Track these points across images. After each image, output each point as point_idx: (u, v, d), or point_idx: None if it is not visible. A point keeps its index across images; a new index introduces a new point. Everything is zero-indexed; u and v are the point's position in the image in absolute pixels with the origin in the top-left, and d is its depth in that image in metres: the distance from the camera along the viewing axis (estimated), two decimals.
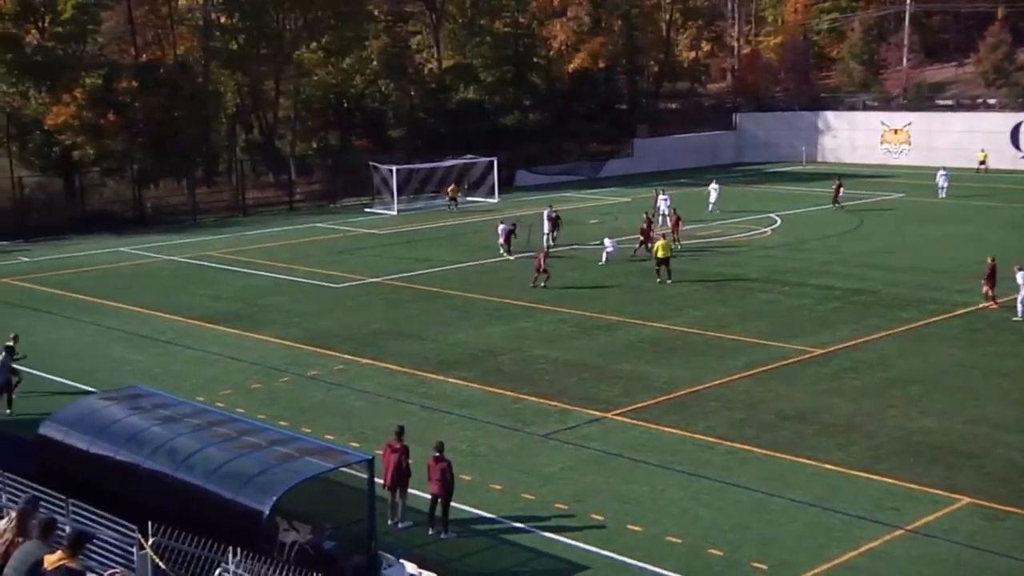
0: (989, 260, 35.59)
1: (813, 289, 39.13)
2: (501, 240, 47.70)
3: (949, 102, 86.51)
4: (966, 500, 20.63)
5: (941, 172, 63.18)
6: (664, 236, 44.37)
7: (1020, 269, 34.03)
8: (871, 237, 49.90)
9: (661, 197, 54.31)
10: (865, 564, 18.21)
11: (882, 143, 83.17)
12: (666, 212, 52.49)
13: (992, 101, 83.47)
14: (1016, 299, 33.98)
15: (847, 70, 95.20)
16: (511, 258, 45.65)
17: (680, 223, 48.67)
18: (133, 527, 14.29)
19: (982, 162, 73.81)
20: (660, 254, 41.05)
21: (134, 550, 14.22)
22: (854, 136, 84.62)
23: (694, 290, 39.61)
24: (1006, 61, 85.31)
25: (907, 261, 43.82)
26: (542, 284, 39.90)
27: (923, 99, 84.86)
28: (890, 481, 21.63)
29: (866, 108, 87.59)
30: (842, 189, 59.27)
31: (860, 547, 18.77)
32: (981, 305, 35.34)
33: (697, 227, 52.76)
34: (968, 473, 21.96)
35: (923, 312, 35.19)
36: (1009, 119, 77.89)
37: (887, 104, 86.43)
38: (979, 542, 18.92)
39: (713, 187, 58.72)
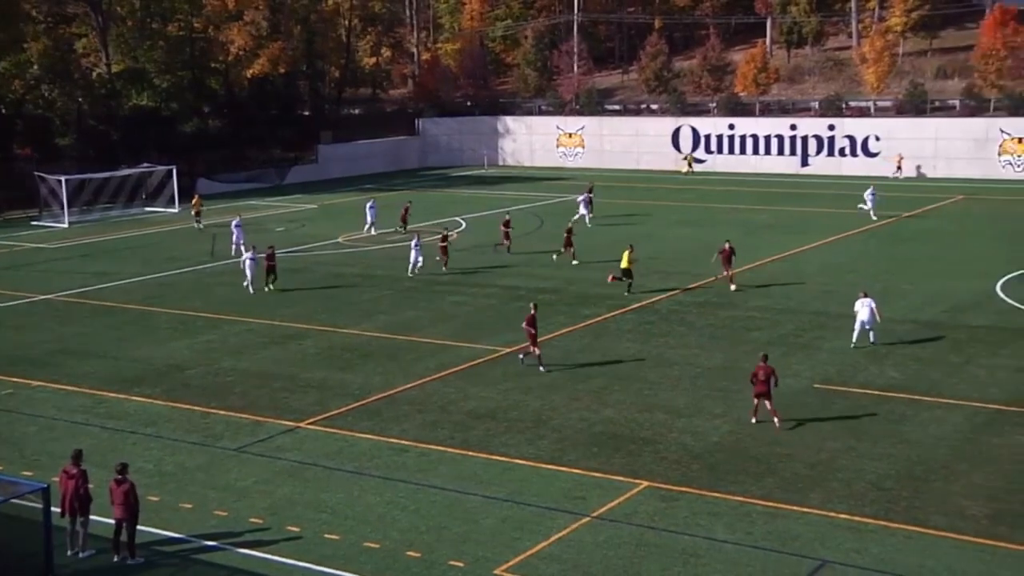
0: (531, 308, 30.55)
1: (500, 290, 40.24)
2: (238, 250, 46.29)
3: (617, 107, 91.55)
4: (645, 484, 21.84)
5: (869, 192, 56.91)
6: (632, 248, 39.78)
7: (864, 295, 31.80)
8: (553, 238, 51.78)
9: (368, 204, 54.07)
10: (556, 553, 18.90)
11: (558, 146, 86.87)
12: (372, 220, 52.89)
13: (655, 106, 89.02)
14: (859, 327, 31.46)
15: (523, 76, 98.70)
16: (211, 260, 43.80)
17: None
18: None
19: (689, 164, 78.78)
20: (624, 264, 39.00)
21: None
22: (532, 140, 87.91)
23: (384, 295, 39.81)
24: (664, 69, 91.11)
25: (586, 259, 45.79)
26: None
27: (594, 104, 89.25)
28: (577, 471, 22.58)
29: (542, 113, 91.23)
30: (409, 212, 54.38)
31: (551, 537, 19.47)
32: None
33: (386, 232, 53.12)
34: (646, 459, 23.26)
35: (602, 308, 36.96)
36: (670, 123, 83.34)
37: (561, 109, 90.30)
38: (657, 523, 20.08)
39: (582, 199, 56.39)
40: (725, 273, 39.66)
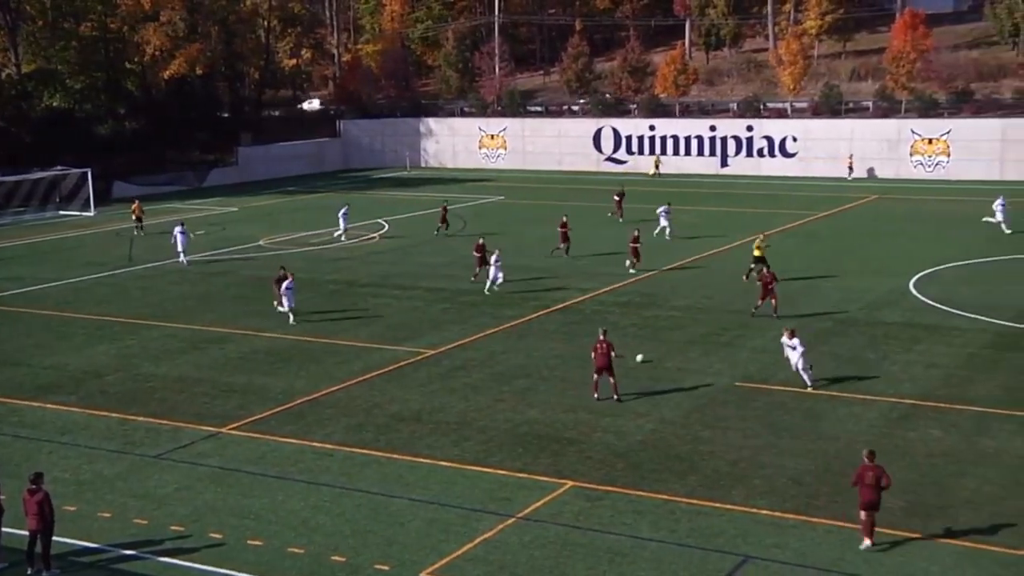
0: (600, 334, 27.88)
1: (424, 292, 40.12)
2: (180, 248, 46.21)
3: (539, 108, 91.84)
4: (570, 484, 21.92)
5: (999, 202, 50.71)
6: (763, 236, 42.17)
7: (791, 335, 28.26)
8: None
9: (342, 211, 53.33)
10: (482, 554, 18.89)
11: (480, 148, 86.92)
12: (345, 227, 52.36)
13: (576, 108, 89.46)
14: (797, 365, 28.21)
15: (445, 77, 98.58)
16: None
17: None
18: None
19: (656, 165, 79.01)
20: (757, 253, 40.43)
21: None
22: (455, 141, 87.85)
23: (307, 297, 39.40)
24: (586, 71, 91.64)
25: (510, 260, 45.73)
26: None
27: (516, 106, 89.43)
28: (502, 472, 22.59)
29: (464, 114, 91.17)
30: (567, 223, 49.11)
31: (476, 539, 19.46)
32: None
33: (309, 235, 52.74)
34: (571, 459, 23.35)
35: (526, 309, 37.04)
36: (591, 124, 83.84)
37: (484, 111, 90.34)
38: (583, 522, 20.17)
39: (663, 211, 51.25)
40: (761, 302, 34.90)
